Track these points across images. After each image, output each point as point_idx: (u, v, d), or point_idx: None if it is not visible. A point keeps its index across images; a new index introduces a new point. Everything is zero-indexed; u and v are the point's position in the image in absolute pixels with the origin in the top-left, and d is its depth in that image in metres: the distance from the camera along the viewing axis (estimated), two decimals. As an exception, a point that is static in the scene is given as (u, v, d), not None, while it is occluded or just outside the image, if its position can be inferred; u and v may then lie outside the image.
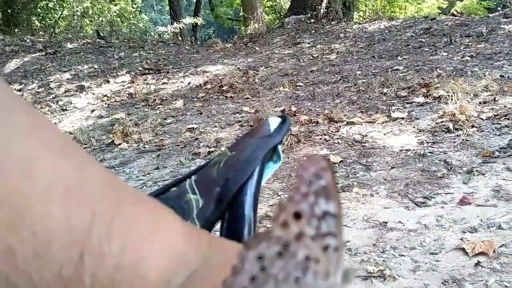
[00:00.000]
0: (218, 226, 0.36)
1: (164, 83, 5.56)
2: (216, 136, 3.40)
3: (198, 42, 9.54)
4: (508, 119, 2.88)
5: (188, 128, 3.75)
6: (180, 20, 8.68)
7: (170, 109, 4.50)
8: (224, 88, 4.96)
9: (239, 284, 0.19)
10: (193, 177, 0.40)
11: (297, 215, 0.19)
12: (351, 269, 0.19)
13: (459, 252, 1.62)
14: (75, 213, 0.22)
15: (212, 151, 3.09)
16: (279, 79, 5.14)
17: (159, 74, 5.95)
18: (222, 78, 5.31)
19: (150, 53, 6.96)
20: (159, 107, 4.58)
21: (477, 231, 1.74)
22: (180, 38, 8.89)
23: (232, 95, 4.75)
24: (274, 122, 0.42)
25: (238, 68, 5.94)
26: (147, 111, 4.43)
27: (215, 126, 3.75)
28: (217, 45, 7.77)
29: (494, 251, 1.56)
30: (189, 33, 10.83)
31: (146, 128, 3.84)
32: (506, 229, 1.72)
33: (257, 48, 7.28)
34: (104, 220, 0.22)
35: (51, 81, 5.80)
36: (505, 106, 3.11)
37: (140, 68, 6.11)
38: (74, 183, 0.22)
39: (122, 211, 0.23)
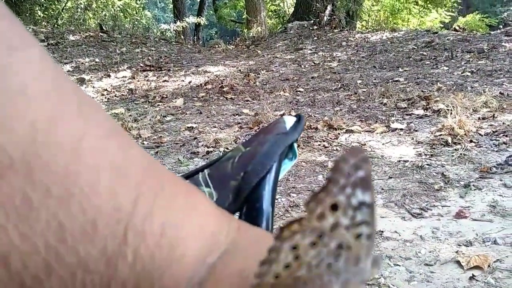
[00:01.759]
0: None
1: (165, 80, 5.55)
2: (215, 136, 3.39)
3: (201, 42, 9.55)
4: (506, 136, 2.89)
5: (188, 127, 3.74)
6: (183, 19, 8.68)
7: (170, 107, 4.50)
8: (224, 89, 4.96)
9: (274, 271, 0.19)
10: (206, 171, 0.40)
11: (334, 207, 0.19)
12: (379, 255, 0.20)
13: (454, 264, 1.62)
14: (120, 192, 0.23)
15: (211, 151, 3.09)
16: (280, 83, 5.14)
17: (160, 72, 5.95)
18: (223, 79, 5.31)
19: (152, 50, 6.96)
20: (159, 104, 4.57)
21: (472, 245, 1.74)
22: (182, 37, 8.90)
23: (233, 96, 4.75)
24: (289, 120, 0.41)
25: (240, 70, 5.94)
26: (146, 108, 4.42)
27: (214, 127, 3.75)
28: (219, 46, 7.77)
29: (489, 266, 1.56)
30: (192, 33, 10.84)
31: (145, 125, 3.84)
32: (501, 244, 1.72)
33: (259, 52, 7.29)
34: (147, 200, 0.23)
35: (51, 73, 5.78)
36: (503, 123, 3.13)
37: (142, 65, 6.10)
38: (120, 163, 0.23)
39: (163, 192, 0.24)
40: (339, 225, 0.19)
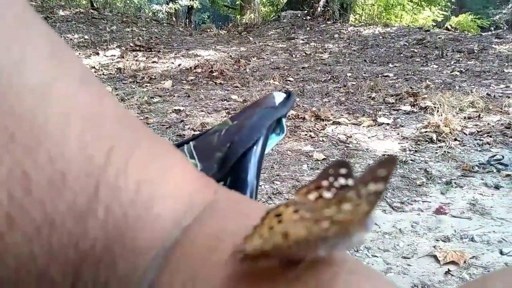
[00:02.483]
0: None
1: (154, 61, 5.49)
2: (202, 120, 3.38)
3: (192, 25, 9.44)
4: (490, 136, 2.92)
5: (175, 110, 3.71)
6: (176, 1, 8.58)
7: (158, 88, 4.45)
8: (214, 74, 4.92)
9: (258, 233, 0.18)
10: (191, 143, 0.39)
11: (318, 188, 0.19)
12: (371, 219, 0.20)
13: (431, 258, 1.64)
14: (92, 143, 0.21)
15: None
16: (270, 71, 5.12)
17: (150, 52, 5.88)
18: (213, 64, 5.27)
19: (143, 30, 6.86)
20: (146, 85, 4.52)
21: (450, 241, 1.77)
22: (174, 19, 8.79)
23: (222, 82, 4.72)
24: (279, 96, 0.41)
25: (230, 56, 5.91)
26: (134, 88, 4.37)
27: (202, 111, 3.72)
28: (211, 30, 7.70)
29: (465, 262, 1.59)
30: (184, 15, 10.72)
31: (132, 105, 3.80)
32: (478, 241, 1.75)
33: (251, 38, 7.25)
34: (121, 154, 0.21)
35: (38, 46, 5.68)
36: (488, 124, 3.16)
37: (131, 44, 6.02)
38: (92, 112, 0.21)
39: (139, 147, 0.23)
40: (322, 198, 0.19)
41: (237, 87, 4.57)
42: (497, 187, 2.22)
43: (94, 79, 0.23)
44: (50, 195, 0.20)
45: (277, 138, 0.38)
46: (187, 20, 9.63)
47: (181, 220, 0.22)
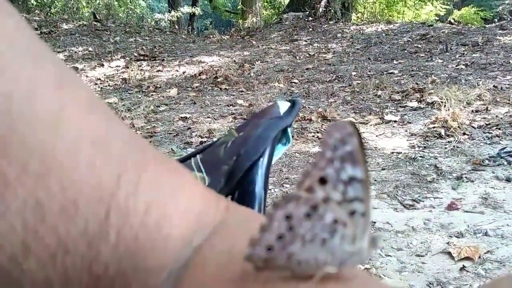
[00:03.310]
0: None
1: (159, 70, 5.52)
2: (209, 126, 3.39)
3: (195, 32, 9.48)
4: (499, 129, 2.90)
5: (181, 117, 3.73)
6: (178, 9, 8.62)
7: (163, 96, 4.48)
8: (219, 79, 4.94)
9: (266, 241, 0.18)
10: (198, 156, 0.40)
11: (323, 181, 0.18)
12: (379, 235, 0.19)
13: (445, 255, 1.63)
14: (102, 168, 0.21)
15: (204, 141, 3.08)
16: (274, 74, 5.13)
17: (154, 61, 5.91)
18: (218, 70, 5.28)
19: (146, 39, 6.90)
20: (152, 94, 4.55)
21: (463, 236, 1.76)
22: (177, 27, 8.83)
23: (227, 87, 4.74)
24: (283, 105, 0.41)
25: (234, 61, 5.92)
26: (140, 97, 4.40)
27: (208, 117, 3.74)
28: (214, 36, 7.72)
29: (479, 257, 1.58)
30: (186, 23, 10.77)
31: (139, 114, 3.82)
32: (492, 236, 1.73)
33: (254, 42, 7.26)
34: (131, 177, 0.22)
35: (44, 61, 5.73)
36: (496, 116, 3.14)
37: (135, 54, 6.05)
38: (101, 138, 0.22)
39: (147, 169, 0.23)
40: (330, 200, 0.18)
41: (242, 91, 4.58)
42: (508, 179, 2.21)
43: (101, 103, 0.24)
44: (63, 222, 0.20)
45: (283, 148, 0.38)
46: (190, 27, 9.68)
47: (192, 239, 0.22)
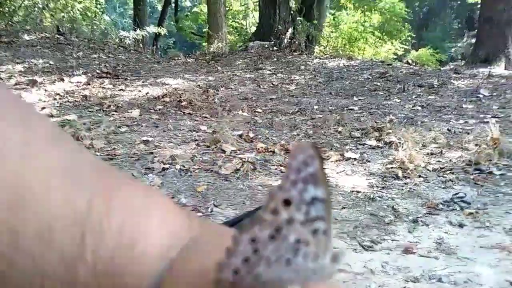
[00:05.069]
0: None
1: (121, 89, 5.44)
2: (171, 152, 3.36)
3: (159, 52, 9.45)
4: (452, 173, 3.04)
5: (143, 140, 3.67)
6: (144, 28, 8.58)
7: (125, 117, 4.40)
8: (183, 103, 4.92)
9: (233, 264, 0.19)
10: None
11: (287, 202, 0.20)
12: (341, 251, 0.20)
13: (402, 301, 1.68)
14: (74, 193, 0.22)
15: (167, 168, 3.05)
16: (238, 102, 5.17)
17: (116, 80, 5.83)
18: (182, 93, 5.27)
19: (109, 56, 6.81)
20: (113, 114, 4.47)
21: (419, 281, 1.82)
22: (141, 45, 8.77)
23: (191, 111, 4.73)
24: None
25: (199, 85, 5.93)
26: (100, 117, 4.31)
27: (171, 142, 3.71)
28: (179, 58, 7.73)
29: (434, 304, 1.63)
30: (151, 41, 10.71)
31: (99, 134, 3.73)
32: (445, 282, 1.80)
33: (219, 68, 7.31)
34: (102, 199, 0.23)
35: (2, 71, 5.53)
36: (450, 160, 3.29)
37: (98, 71, 5.95)
38: (70, 165, 0.23)
39: (119, 192, 0.24)
40: (294, 220, 0.19)
41: (206, 117, 4.59)
42: (461, 225, 2.31)
43: (65, 135, 0.25)
44: (39, 247, 0.21)
45: None
46: (154, 46, 9.63)
47: (166, 254, 0.24)
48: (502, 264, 1.91)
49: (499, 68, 7.16)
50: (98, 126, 3.99)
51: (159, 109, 4.75)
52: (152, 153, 3.39)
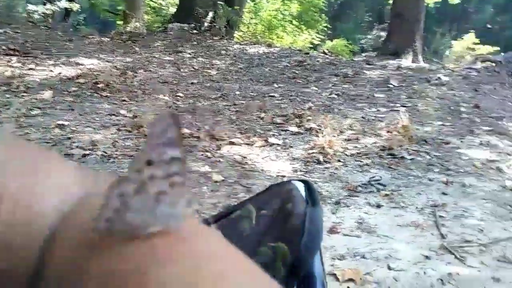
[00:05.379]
0: None
1: (31, 68, 5.07)
2: (91, 137, 3.22)
3: (70, 30, 8.90)
4: (368, 158, 3.25)
5: (58, 124, 3.47)
6: (55, 3, 8.01)
7: (36, 99, 4.12)
8: (99, 85, 4.70)
9: (105, 215, 0.23)
10: (212, 226, 0.41)
11: (149, 162, 0.23)
12: (192, 197, 0.25)
13: (331, 277, 1.78)
14: None
15: (88, 154, 2.92)
16: (159, 86, 5.06)
17: (25, 58, 5.41)
18: (98, 75, 5.04)
19: (17, 32, 6.29)
20: (23, 95, 4.16)
21: (345, 259, 1.94)
22: (50, 21, 8.18)
23: (108, 94, 4.54)
24: (300, 186, 0.45)
25: (116, 67, 5.70)
26: (9, 98, 3.99)
27: (89, 126, 3.54)
28: (94, 37, 7.34)
29: (360, 278, 1.75)
30: (61, 17, 10.04)
31: (9, 117, 3.47)
32: (368, 258, 1.94)
33: (136, 49, 7.06)
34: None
35: None
36: (366, 146, 3.51)
37: (4, 47, 5.48)
38: None
39: (16, 159, 0.28)
40: (155, 176, 0.23)
41: (125, 101, 4.43)
42: (378, 206, 2.48)
43: None
44: None
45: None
46: (65, 22, 9.04)
47: (61, 208, 0.27)
48: (418, 240, 2.10)
49: (406, 61, 7.70)
50: (7, 108, 3.70)
51: (74, 91, 4.50)
52: (69, 138, 3.22)
